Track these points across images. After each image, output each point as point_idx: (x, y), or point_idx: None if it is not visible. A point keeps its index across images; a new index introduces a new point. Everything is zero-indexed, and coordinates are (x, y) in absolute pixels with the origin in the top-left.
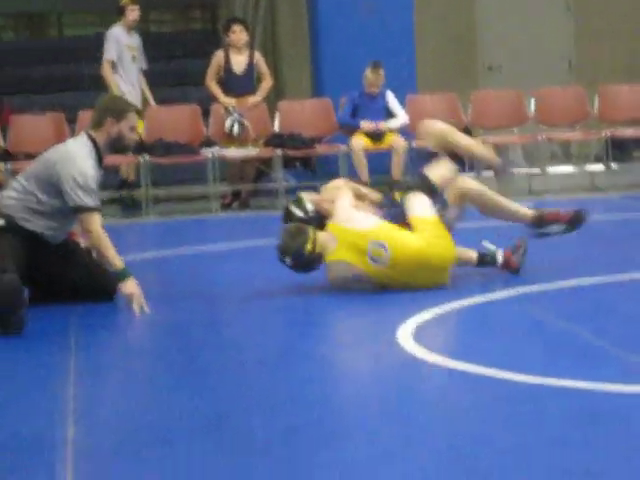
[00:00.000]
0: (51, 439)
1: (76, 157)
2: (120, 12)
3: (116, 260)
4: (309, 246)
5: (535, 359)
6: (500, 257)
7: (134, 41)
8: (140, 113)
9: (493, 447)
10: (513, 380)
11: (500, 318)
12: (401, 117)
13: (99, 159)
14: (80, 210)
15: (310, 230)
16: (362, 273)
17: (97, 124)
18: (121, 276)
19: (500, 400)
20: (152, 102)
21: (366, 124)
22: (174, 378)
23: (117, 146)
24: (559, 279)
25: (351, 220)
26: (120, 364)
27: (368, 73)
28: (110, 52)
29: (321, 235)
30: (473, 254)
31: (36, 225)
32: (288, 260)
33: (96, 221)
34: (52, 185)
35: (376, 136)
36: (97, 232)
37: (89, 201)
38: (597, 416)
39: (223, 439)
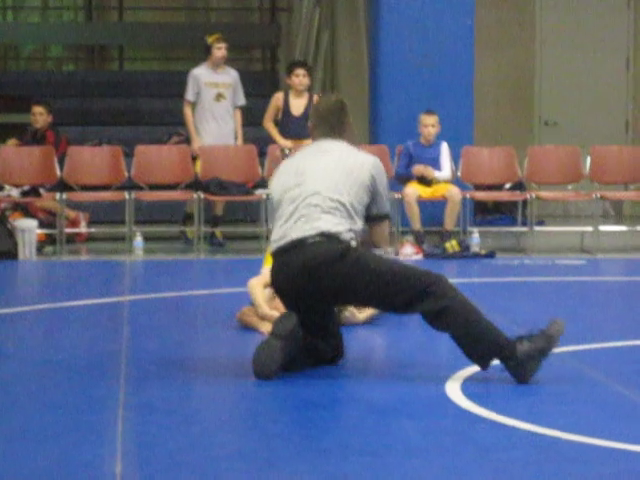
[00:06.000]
0: (100, 473)
1: None
2: (207, 50)
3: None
4: None
5: (585, 419)
6: None
7: (222, 78)
8: None
9: None
10: (562, 438)
11: (549, 375)
12: (445, 171)
13: None
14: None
15: None
16: None
17: (342, 129)
18: None
19: (548, 458)
20: (239, 140)
21: (417, 168)
22: (223, 418)
23: None
24: (608, 339)
25: None
26: (169, 401)
27: (422, 116)
28: (188, 93)
29: None
30: None
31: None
32: None
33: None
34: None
35: (426, 180)
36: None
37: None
38: None
39: None
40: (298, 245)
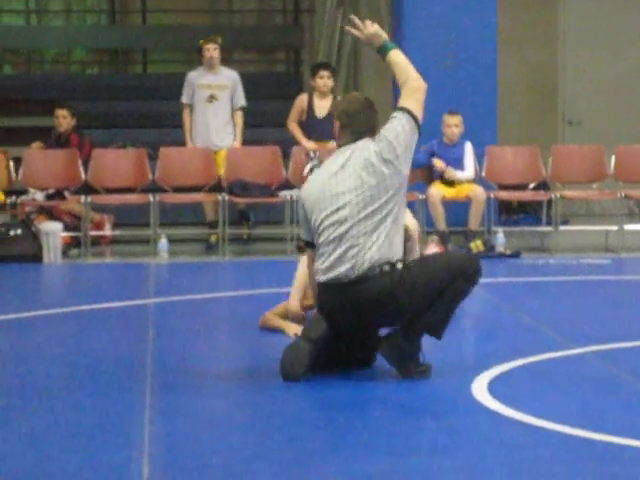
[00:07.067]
0: (127, 476)
1: None
2: (199, 53)
3: None
4: None
5: (612, 418)
6: None
7: (217, 79)
8: None
9: None
10: (588, 437)
11: (575, 374)
12: (467, 171)
13: None
14: None
15: None
16: None
17: (373, 129)
18: None
19: (575, 457)
20: (237, 142)
21: (438, 161)
22: (249, 420)
23: None
24: (634, 338)
25: None
26: (195, 403)
27: (445, 117)
28: (183, 95)
29: None
30: None
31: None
32: None
33: None
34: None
35: (450, 181)
36: None
37: None
38: None
39: None
40: (355, 281)
